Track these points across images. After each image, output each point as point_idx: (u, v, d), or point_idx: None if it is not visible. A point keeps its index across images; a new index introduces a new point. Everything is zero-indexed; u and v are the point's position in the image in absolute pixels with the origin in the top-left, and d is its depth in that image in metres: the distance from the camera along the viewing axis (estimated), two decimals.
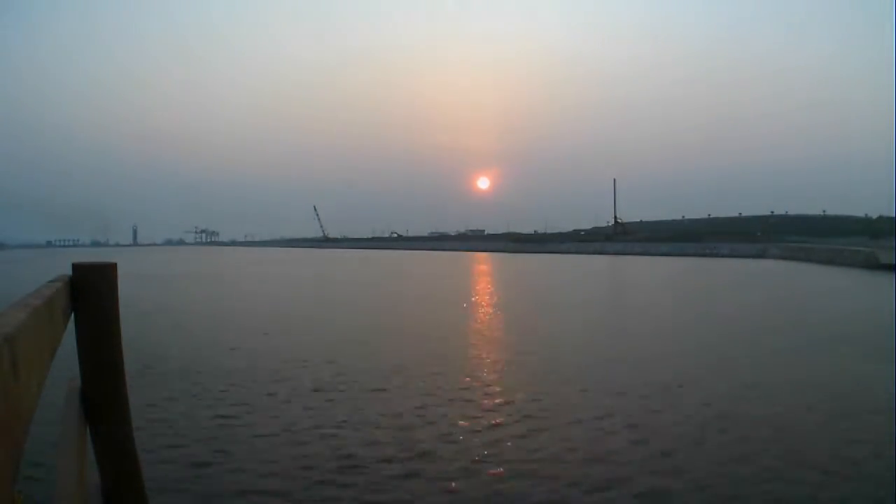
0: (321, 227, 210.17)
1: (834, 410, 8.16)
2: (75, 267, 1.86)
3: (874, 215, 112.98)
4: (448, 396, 8.93)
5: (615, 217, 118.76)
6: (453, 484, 5.92)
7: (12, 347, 0.79)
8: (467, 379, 10.10)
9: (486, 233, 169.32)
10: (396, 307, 22.04)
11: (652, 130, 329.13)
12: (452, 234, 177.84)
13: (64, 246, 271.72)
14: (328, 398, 8.92)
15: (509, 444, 6.97)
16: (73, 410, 1.70)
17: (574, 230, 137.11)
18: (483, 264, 59.71)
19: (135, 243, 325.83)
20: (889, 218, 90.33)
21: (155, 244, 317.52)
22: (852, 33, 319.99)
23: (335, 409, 8.39)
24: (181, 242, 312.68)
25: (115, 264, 1.93)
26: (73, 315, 1.80)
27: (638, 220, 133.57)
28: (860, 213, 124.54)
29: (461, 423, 7.73)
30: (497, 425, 7.62)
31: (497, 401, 8.74)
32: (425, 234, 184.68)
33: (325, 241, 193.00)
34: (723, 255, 68.72)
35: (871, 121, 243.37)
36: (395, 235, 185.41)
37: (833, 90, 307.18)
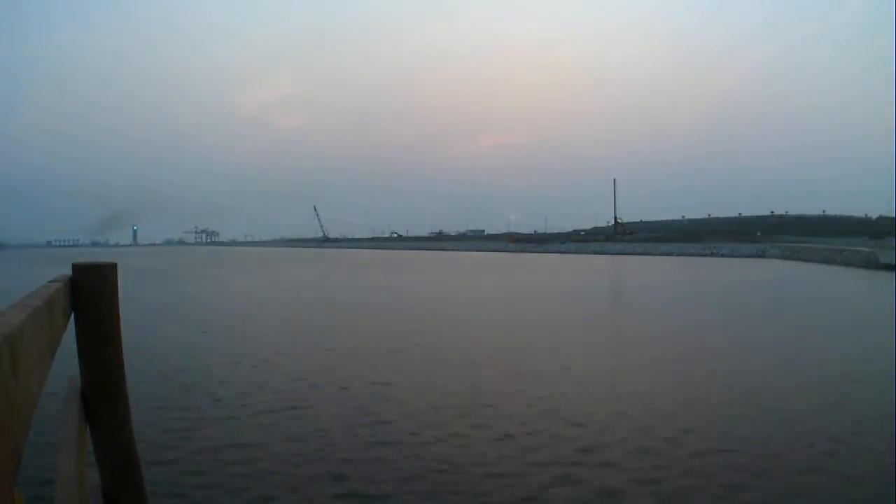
0: (321, 227, 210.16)
1: None
2: (75, 267, 1.86)
3: (874, 215, 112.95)
4: None
5: (615, 217, 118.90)
6: None
7: (12, 347, 0.79)
8: None
9: (485, 233, 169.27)
10: None
11: (652, 130, 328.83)
12: (452, 234, 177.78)
13: (64, 246, 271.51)
14: None
15: None
16: (72, 410, 1.70)
17: (574, 230, 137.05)
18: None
19: (134, 243, 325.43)
20: (889, 218, 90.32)
21: (155, 244, 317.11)
22: (852, 33, 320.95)
23: None
24: (181, 242, 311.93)
25: (115, 264, 1.93)
26: (73, 315, 1.80)
27: (638, 219, 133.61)
28: (860, 213, 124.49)
29: None
30: None
31: None
32: (425, 234, 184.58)
33: (326, 241, 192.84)
34: (723, 255, 68.84)
35: (871, 121, 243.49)
36: (396, 235, 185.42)
37: (833, 90, 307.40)
